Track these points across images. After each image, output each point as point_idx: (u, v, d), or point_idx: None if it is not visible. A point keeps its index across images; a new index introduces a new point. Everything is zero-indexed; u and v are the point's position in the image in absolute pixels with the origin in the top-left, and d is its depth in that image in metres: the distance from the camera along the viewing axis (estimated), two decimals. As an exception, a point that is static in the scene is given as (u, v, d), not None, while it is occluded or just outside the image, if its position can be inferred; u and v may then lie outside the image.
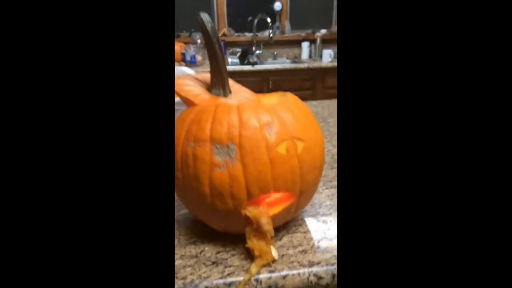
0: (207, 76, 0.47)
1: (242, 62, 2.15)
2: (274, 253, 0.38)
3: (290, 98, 0.42)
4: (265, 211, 0.37)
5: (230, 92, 0.44)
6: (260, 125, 0.36)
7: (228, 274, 0.37)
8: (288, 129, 0.37)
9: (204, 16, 0.41)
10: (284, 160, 0.36)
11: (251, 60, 2.12)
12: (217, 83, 0.43)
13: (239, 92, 0.45)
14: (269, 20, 2.27)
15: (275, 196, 0.37)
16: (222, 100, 0.42)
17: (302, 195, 0.40)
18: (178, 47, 2.07)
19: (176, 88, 0.42)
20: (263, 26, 2.39)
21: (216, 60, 0.42)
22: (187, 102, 0.42)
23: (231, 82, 0.46)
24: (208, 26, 0.41)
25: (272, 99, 0.46)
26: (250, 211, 0.37)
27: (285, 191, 0.38)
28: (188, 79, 0.45)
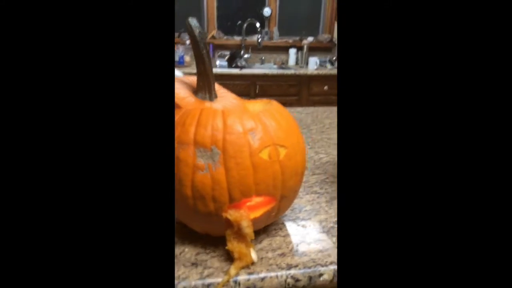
0: (194, 80, 0.48)
1: (230, 65, 2.16)
2: (254, 255, 0.39)
3: (274, 105, 0.43)
4: (246, 215, 0.37)
5: (216, 96, 0.45)
6: (244, 131, 0.37)
7: (207, 275, 0.38)
8: (271, 136, 0.38)
9: (193, 21, 0.42)
10: (266, 166, 0.37)
11: (239, 64, 2.13)
12: (203, 87, 0.44)
13: (225, 97, 0.46)
14: (258, 25, 2.29)
15: (256, 200, 0.38)
16: (207, 104, 0.43)
17: (283, 200, 0.41)
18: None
19: (163, 90, 0.42)
20: (252, 30, 2.41)
21: (203, 64, 0.43)
22: (173, 104, 0.43)
23: (217, 86, 0.47)
24: (196, 31, 0.42)
25: (257, 105, 0.47)
26: (231, 214, 0.37)
27: (267, 196, 0.39)
28: (175, 82, 0.45)
